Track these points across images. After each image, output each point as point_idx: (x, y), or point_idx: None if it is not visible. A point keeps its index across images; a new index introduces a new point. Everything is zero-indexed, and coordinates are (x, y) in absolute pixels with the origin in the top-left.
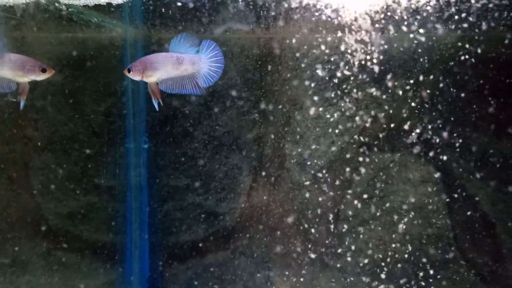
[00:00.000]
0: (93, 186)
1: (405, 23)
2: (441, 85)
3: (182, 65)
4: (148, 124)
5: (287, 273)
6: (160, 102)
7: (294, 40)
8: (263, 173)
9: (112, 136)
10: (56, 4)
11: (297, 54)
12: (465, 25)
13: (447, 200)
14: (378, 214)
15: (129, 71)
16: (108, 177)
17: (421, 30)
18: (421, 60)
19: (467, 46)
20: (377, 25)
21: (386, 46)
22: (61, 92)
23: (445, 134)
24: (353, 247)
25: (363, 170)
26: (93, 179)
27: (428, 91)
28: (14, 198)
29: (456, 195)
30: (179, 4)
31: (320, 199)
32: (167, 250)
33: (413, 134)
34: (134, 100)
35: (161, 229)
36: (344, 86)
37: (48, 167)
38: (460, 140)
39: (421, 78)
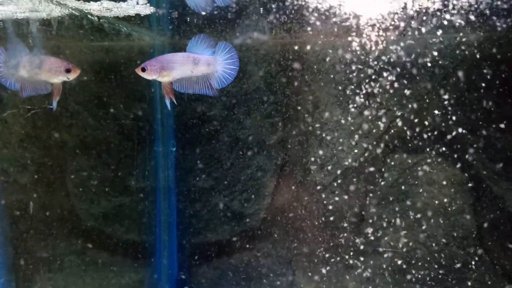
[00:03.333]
0: (124, 188)
1: (427, 24)
2: (465, 85)
3: (198, 65)
4: (176, 128)
5: (311, 274)
6: (174, 101)
7: (316, 44)
8: (287, 175)
9: (141, 139)
10: (89, 16)
11: (320, 58)
12: (488, 25)
13: (473, 201)
14: (403, 215)
15: (143, 70)
16: (138, 179)
17: (442, 32)
18: (445, 61)
19: (491, 46)
20: (400, 27)
21: (409, 48)
22: (94, 98)
23: (470, 135)
24: (377, 249)
25: (387, 172)
26: (124, 181)
27: (453, 92)
28: (51, 199)
29: (482, 197)
30: (203, 13)
31: (344, 201)
32: (194, 250)
33: (438, 135)
34: (162, 105)
35: (188, 229)
36: (366, 89)
37: (82, 170)
38: (486, 141)
39: (445, 79)
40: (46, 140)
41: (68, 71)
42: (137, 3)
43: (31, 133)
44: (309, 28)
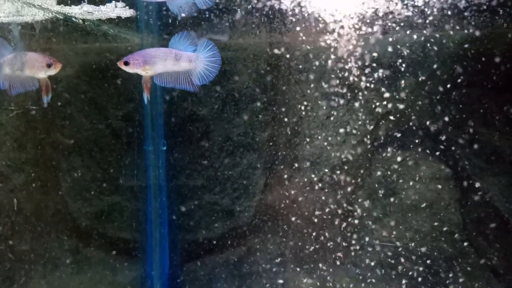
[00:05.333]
0: (116, 187)
1: (413, 21)
2: (451, 82)
3: (180, 61)
4: (166, 127)
5: (301, 271)
6: (148, 97)
7: (304, 43)
8: (277, 173)
9: (132, 139)
10: (74, 19)
11: (307, 56)
12: (473, 23)
13: (459, 196)
14: (390, 211)
15: (126, 63)
16: (129, 178)
17: (429, 28)
18: (430, 58)
19: (476, 43)
20: (385, 25)
21: (395, 45)
22: (86, 99)
23: (456, 131)
24: (366, 245)
25: (374, 168)
26: (115, 180)
27: (438, 88)
28: (45, 199)
29: (468, 192)
30: (183, 15)
31: (332, 197)
32: (185, 247)
33: (424, 131)
34: (152, 104)
35: (179, 227)
36: (354, 86)
37: (75, 169)
38: (472, 137)
39: (430, 76)
40: (39, 140)
41: (49, 65)
42: (116, 6)
43: (25, 134)
44: (296, 28)
